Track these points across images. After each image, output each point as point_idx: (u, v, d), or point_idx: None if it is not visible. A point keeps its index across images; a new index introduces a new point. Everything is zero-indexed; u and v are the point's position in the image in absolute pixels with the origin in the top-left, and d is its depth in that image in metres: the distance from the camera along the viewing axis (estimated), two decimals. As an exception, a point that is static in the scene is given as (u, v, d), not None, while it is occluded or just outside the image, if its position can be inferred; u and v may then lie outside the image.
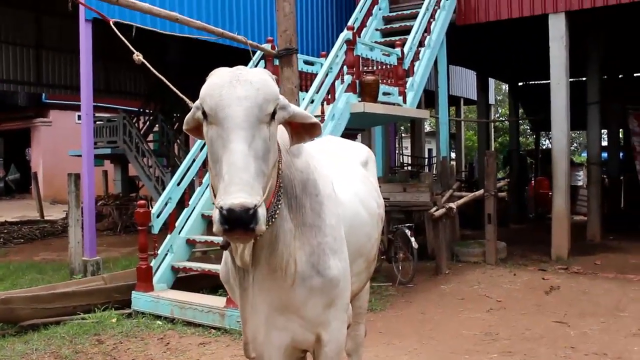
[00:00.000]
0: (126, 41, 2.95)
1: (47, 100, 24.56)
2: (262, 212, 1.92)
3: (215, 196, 2.09)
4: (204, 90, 2.13)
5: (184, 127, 2.34)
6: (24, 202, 23.97)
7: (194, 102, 2.22)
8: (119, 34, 2.95)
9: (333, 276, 2.53)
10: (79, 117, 24.43)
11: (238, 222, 1.87)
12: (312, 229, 2.50)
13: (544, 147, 29.81)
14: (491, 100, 24.48)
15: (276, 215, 2.29)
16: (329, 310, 2.57)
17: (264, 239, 2.30)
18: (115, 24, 3.43)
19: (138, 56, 2.78)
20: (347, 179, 3.08)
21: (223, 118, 2.03)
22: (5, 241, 13.61)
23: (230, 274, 2.63)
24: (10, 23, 15.97)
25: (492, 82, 23.28)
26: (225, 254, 2.61)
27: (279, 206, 2.31)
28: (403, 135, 29.20)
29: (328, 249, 2.53)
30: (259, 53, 8.13)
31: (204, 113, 2.11)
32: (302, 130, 2.32)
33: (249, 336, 2.53)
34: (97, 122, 16.56)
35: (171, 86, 3.02)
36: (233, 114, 2.02)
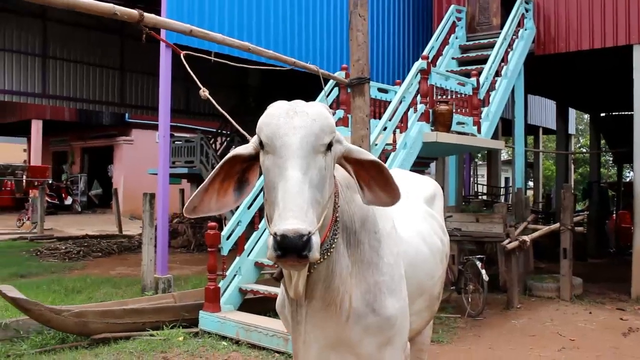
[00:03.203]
0: (194, 75, 3.04)
1: (130, 120, 25.60)
2: (315, 240, 1.91)
3: (270, 224, 2.11)
4: (261, 120, 2.17)
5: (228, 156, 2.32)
6: (104, 217, 24.92)
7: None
8: (188, 68, 3.05)
9: (389, 315, 2.50)
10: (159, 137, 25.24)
11: (291, 248, 1.87)
12: (370, 266, 2.48)
13: (628, 180, 28.74)
14: (571, 130, 23.83)
15: (332, 249, 2.28)
16: (385, 349, 2.54)
17: (319, 272, 2.31)
18: (189, 53, 3.52)
19: (204, 92, 2.86)
20: (409, 216, 3.06)
21: (280, 146, 2.06)
22: (84, 254, 14.09)
23: (285, 305, 2.64)
24: (97, 47, 16.79)
25: (572, 111, 22.69)
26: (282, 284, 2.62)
27: (336, 240, 2.30)
28: (479, 163, 28.73)
29: (385, 287, 2.51)
30: (331, 82, 8.21)
31: (260, 143, 2.15)
32: (366, 175, 2.28)
33: None
34: (176, 142, 17.07)
35: (233, 122, 3.09)
36: (289, 142, 2.05)
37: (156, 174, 13.69)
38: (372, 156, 2.32)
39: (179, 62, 9.38)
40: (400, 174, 3.76)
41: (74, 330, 6.77)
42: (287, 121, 2.10)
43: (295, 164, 2.02)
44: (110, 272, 12.03)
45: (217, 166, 2.32)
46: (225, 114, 2.70)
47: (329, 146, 2.14)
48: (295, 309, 2.44)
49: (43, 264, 12.66)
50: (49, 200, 24.23)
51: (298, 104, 2.19)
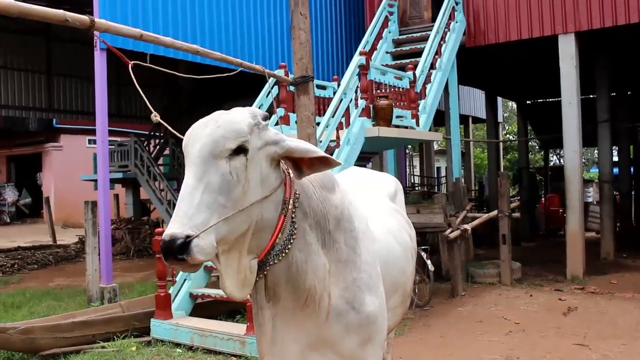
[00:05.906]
0: (145, 97, 3.00)
1: (58, 125, 24.79)
2: (197, 243, 1.93)
3: None
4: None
5: None
6: (35, 227, 24.07)
7: None
8: (136, 83, 2.99)
9: (369, 312, 2.52)
10: (90, 142, 24.57)
11: (167, 251, 1.93)
12: (347, 265, 2.49)
13: (553, 164, 29.83)
14: (499, 119, 24.52)
15: (286, 250, 2.28)
16: (365, 347, 2.55)
17: (276, 273, 2.30)
18: (138, 63, 3.44)
19: (156, 117, 2.83)
20: (378, 214, 3.09)
21: (186, 156, 2.13)
22: (19, 267, 13.58)
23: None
24: (21, 50, 16.19)
25: (499, 100, 23.33)
26: None
27: (292, 242, 2.29)
28: (412, 154, 29.20)
29: (364, 285, 2.52)
30: (271, 80, 8.18)
31: None
32: (316, 162, 2.28)
33: None
34: (109, 147, 16.65)
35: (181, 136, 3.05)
36: (191, 151, 2.11)
37: (90, 181, 13.22)
38: (318, 152, 2.28)
39: (109, 62, 9.11)
40: (360, 172, 3.79)
41: (21, 348, 6.54)
42: (199, 132, 2.14)
43: (190, 172, 2.08)
44: (49, 284, 11.65)
45: None
46: (177, 134, 2.66)
47: (241, 150, 2.12)
48: (256, 312, 2.46)
49: (-25, 280, 12.16)
50: (-25, 212, 23.28)
51: (220, 114, 2.20)
